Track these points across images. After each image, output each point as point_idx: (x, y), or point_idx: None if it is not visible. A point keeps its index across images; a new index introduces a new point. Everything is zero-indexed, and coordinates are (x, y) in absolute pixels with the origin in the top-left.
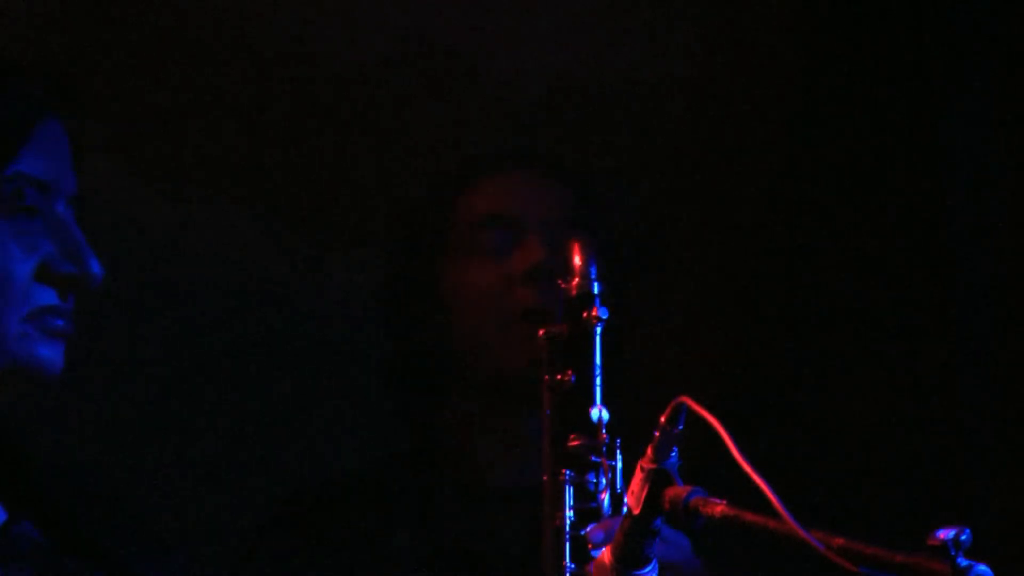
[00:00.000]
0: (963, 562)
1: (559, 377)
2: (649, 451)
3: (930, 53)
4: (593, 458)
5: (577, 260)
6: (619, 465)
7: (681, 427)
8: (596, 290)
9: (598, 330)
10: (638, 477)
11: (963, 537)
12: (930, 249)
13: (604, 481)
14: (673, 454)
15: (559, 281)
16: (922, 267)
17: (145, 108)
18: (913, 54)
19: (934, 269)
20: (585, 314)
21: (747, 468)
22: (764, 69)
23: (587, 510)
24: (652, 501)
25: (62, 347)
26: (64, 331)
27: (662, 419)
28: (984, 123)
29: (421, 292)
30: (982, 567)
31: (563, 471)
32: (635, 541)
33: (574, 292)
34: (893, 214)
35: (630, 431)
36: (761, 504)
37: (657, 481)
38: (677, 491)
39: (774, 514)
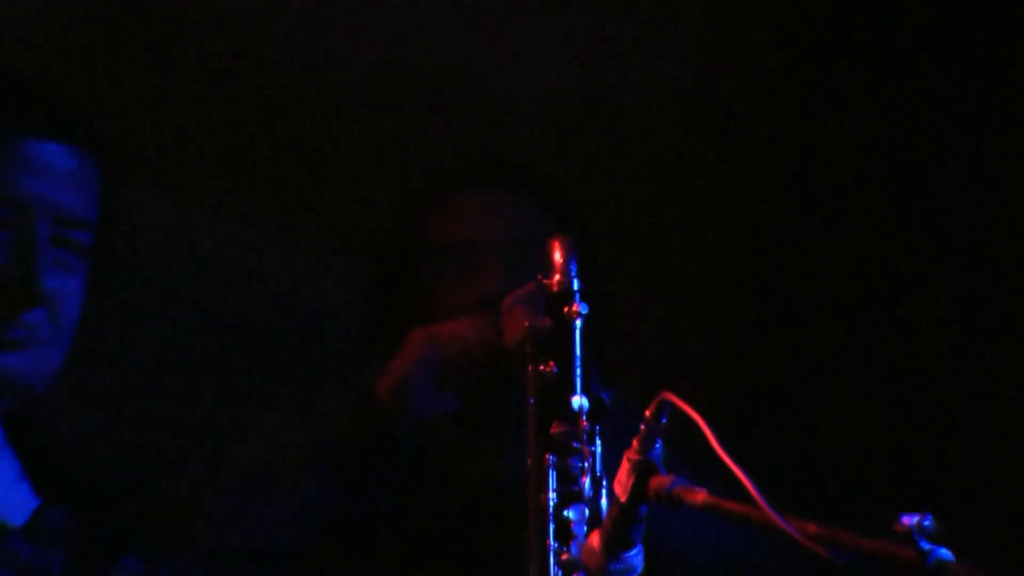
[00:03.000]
0: (926, 546)
1: (542, 368)
2: (635, 443)
3: (917, 61)
4: (574, 444)
5: (558, 257)
6: (598, 451)
7: (664, 421)
8: (576, 286)
9: (578, 324)
10: (624, 467)
11: (926, 523)
12: (909, 246)
13: (585, 465)
14: (657, 446)
15: (539, 277)
16: (902, 266)
17: (163, 126)
18: (899, 65)
19: (915, 268)
20: (566, 309)
21: (726, 459)
22: (748, 82)
23: (569, 492)
24: (638, 490)
25: (17, 359)
26: (19, 343)
27: (647, 413)
28: (970, 132)
29: (407, 289)
30: (943, 551)
31: (546, 456)
32: (622, 527)
33: (555, 288)
34: (872, 215)
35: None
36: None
37: (643, 471)
38: (661, 480)
39: (753, 503)
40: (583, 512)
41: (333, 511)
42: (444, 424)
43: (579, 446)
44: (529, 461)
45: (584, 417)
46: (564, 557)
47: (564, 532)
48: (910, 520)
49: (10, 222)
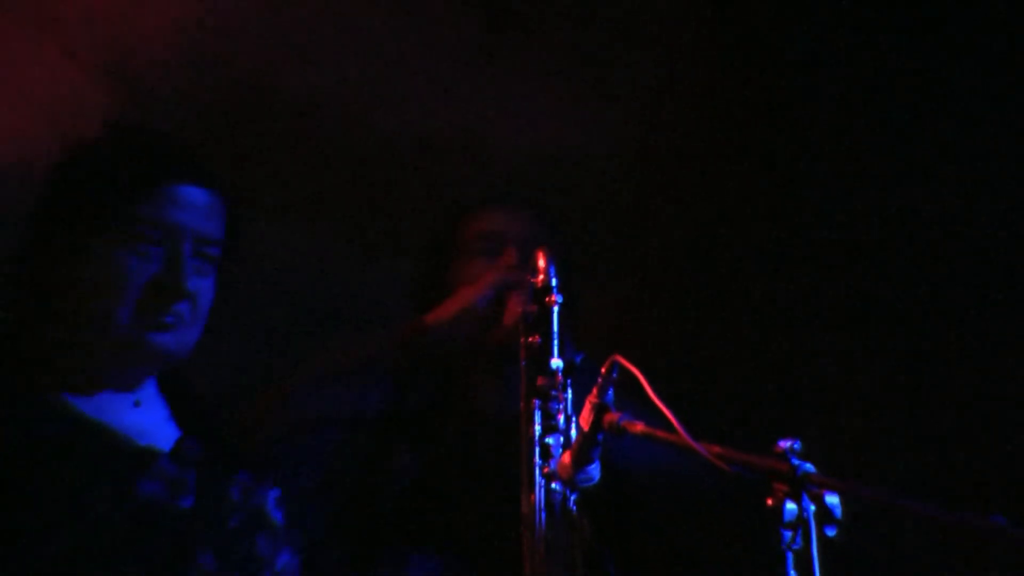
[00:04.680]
0: (796, 462)
1: (531, 339)
2: (595, 391)
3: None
4: (553, 392)
5: (541, 262)
6: (570, 397)
7: (616, 375)
8: (554, 283)
9: (555, 309)
10: (587, 407)
11: (795, 446)
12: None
13: (560, 407)
14: (610, 392)
15: (528, 276)
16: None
17: (268, 172)
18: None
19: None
20: (547, 299)
21: (658, 402)
22: (683, 137)
23: (549, 426)
24: (596, 423)
25: (169, 337)
26: (170, 327)
27: (603, 369)
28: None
29: (440, 284)
30: (808, 465)
31: (533, 400)
32: (585, 449)
33: (540, 284)
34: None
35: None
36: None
37: (599, 410)
38: (612, 416)
39: (675, 431)
40: (559, 439)
41: (386, 402)
42: (464, 363)
43: (556, 393)
44: (521, 404)
45: (560, 374)
46: (546, 470)
47: (546, 453)
48: (785, 444)
49: (164, 242)
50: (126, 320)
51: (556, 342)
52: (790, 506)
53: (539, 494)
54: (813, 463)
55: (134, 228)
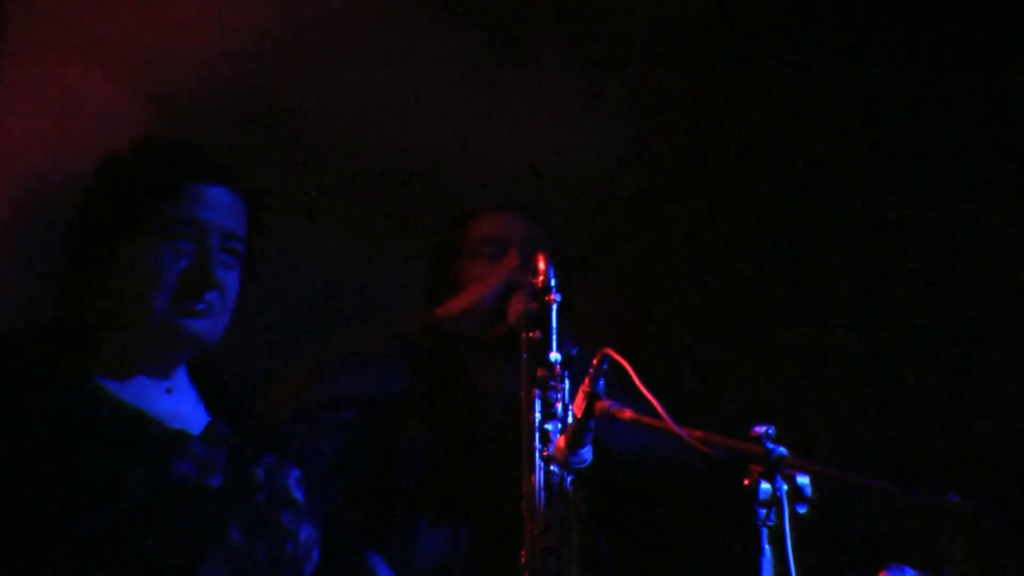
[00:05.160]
0: (770, 445)
1: (531, 335)
2: (587, 380)
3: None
4: (551, 382)
5: (541, 264)
6: (566, 386)
7: (606, 366)
8: (552, 283)
9: (554, 307)
10: (580, 395)
11: (770, 431)
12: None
13: (558, 396)
14: (601, 382)
15: (529, 277)
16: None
17: (287, 175)
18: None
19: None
20: (546, 297)
21: (645, 391)
22: (663, 152)
23: (548, 413)
24: (588, 410)
25: (201, 323)
26: (201, 313)
27: (594, 361)
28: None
29: (448, 282)
30: (782, 448)
31: (534, 390)
32: (578, 433)
33: (539, 284)
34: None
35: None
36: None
37: (591, 398)
38: (603, 403)
39: (660, 417)
40: (557, 425)
41: (400, 384)
42: (470, 351)
43: (555, 384)
44: (523, 393)
45: (557, 365)
46: (544, 454)
47: (545, 438)
48: (760, 429)
49: (193, 237)
50: (162, 308)
51: (554, 337)
52: (764, 486)
53: (539, 475)
54: (786, 447)
55: (167, 226)
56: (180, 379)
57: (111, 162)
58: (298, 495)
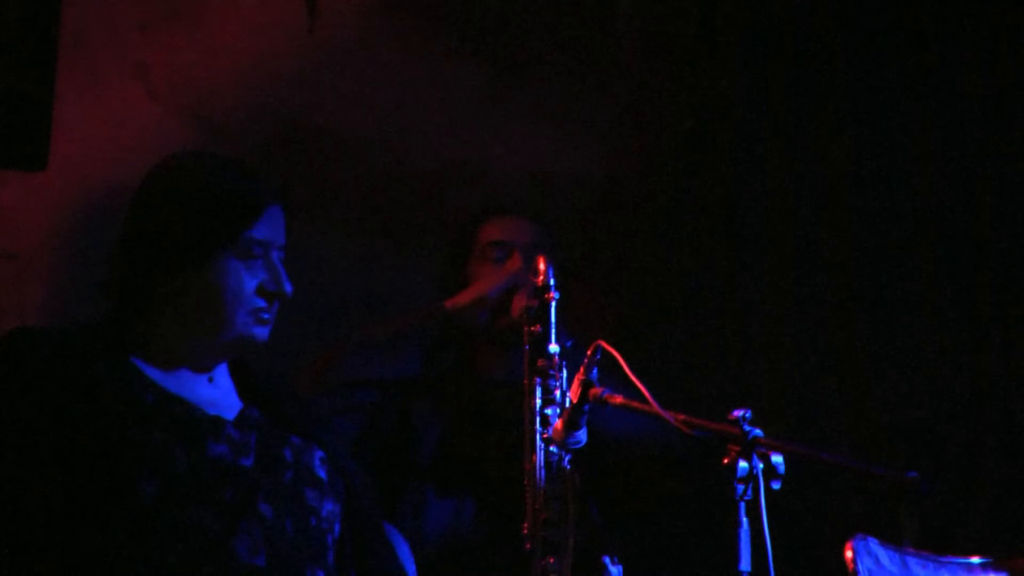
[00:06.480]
0: (747, 428)
1: (532, 328)
2: (582, 369)
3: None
4: (551, 372)
5: (542, 265)
6: (564, 375)
7: (599, 357)
8: (552, 282)
9: (553, 303)
10: (576, 383)
11: (747, 415)
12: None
13: (557, 383)
14: (594, 371)
15: (530, 277)
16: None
17: (317, 188)
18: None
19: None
20: (546, 295)
21: (634, 379)
22: (651, 165)
23: (548, 399)
24: (583, 395)
25: (267, 329)
26: (268, 321)
27: (588, 352)
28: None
29: (459, 279)
30: (757, 430)
31: (535, 378)
32: (574, 416)
33: (540, 283)
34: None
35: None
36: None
37: (586, 385)
38: (596, 390)
39: (647, 402)
40: (556, 409)
41: (414, 368)
42: (477, 340)
43: (554, 373)
44: (525, 381)
45: (556, 356)
46: (544, 436)
47: (545, 421)
48: (737, 412)
49: (263, 254)
50: (241, 322)
51: (553, 330)
52: (742, 464)
53: (539, 455)
54: (761, 428)
55: (248, 247)
56: (220, 371)
57: (190, 177)
58: (321, 474)
